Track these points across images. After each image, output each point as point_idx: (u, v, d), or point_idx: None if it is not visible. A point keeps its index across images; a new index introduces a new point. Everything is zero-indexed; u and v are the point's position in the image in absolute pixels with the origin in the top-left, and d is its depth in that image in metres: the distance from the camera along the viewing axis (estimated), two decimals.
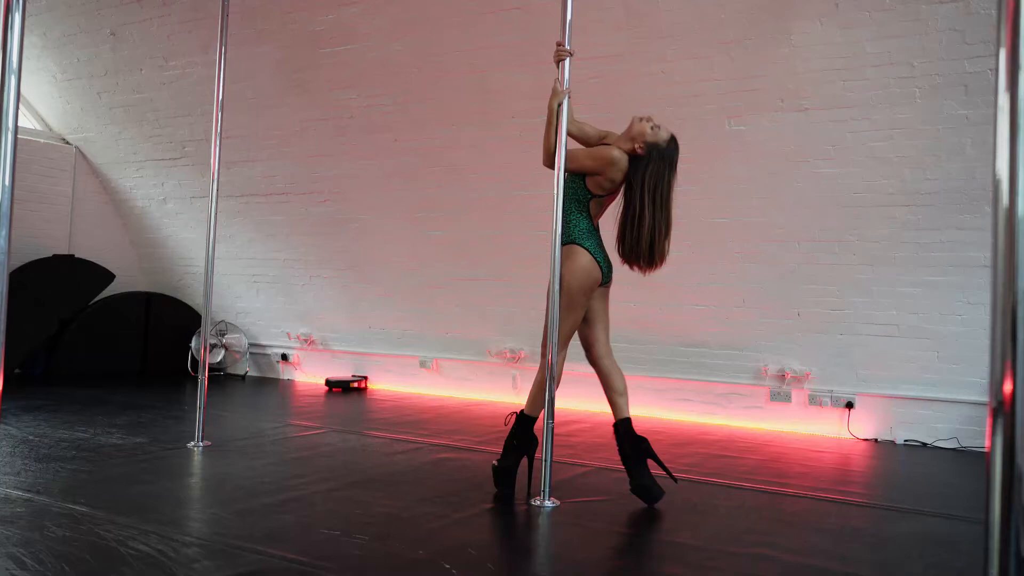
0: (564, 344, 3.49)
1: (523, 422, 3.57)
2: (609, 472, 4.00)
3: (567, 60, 3.49)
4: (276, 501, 3.22)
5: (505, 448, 3.61)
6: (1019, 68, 1.32)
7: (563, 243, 3.43)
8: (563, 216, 3.44)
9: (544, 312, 3.46)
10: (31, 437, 4.36)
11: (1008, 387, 1.33)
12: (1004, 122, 1.29)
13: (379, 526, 2.93)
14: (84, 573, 2.33)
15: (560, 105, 3.45)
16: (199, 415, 4.33)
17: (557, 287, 3.39)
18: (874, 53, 4.66)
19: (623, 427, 3.49)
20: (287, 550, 2.60)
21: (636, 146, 3.43)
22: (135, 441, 4.37)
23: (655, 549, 2.84)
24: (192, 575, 2.35)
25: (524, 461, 3.61)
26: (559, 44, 3.48)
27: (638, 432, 3.49)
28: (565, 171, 3.47)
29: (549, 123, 3.48)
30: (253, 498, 3.26)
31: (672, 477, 3.53)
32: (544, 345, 3.46)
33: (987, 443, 1.37)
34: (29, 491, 3.23)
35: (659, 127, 3.46)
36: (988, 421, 1.35)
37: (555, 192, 3.44)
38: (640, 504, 3.40)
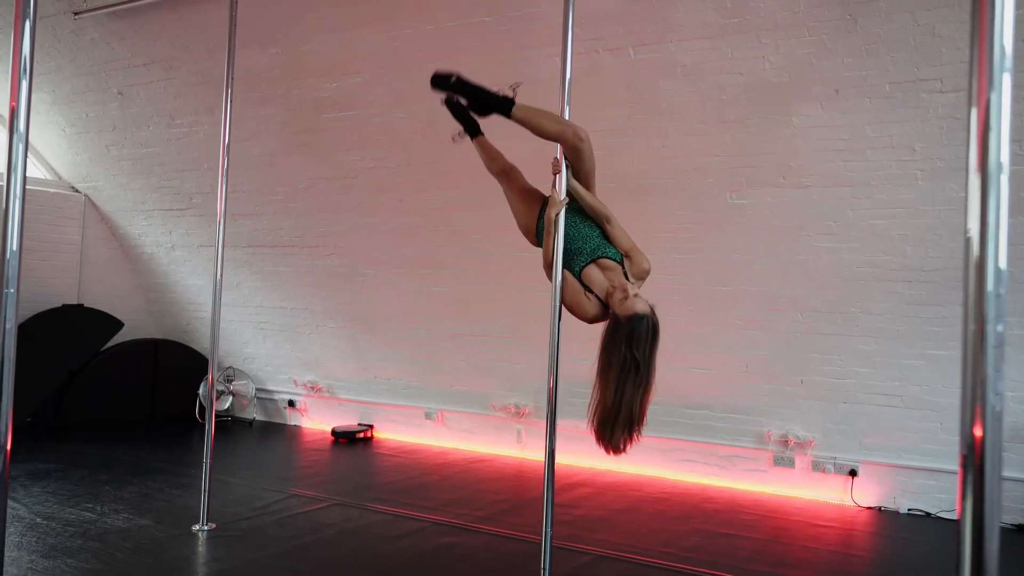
0: None
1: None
2: (610, 562, 4.02)
3: (564, 171, 3.51)
4: None
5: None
6: (989, 130, 1.37)
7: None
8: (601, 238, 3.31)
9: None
10: (40, 520, 4.41)
11: (978, 433, 1.36)
12: (975, 183, 1.37)
13: None
14: None
15: (558, 216, 3.47)
16: (204, 496, 4.37)
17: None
18: (875, 136, 4.67)
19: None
20: None
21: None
22: (140, 524, 4.41)
23: None
24: None
25: None
26: (555, 159, 3.50)
27: None
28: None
29: (547, 232, 3.50)
30: None
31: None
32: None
33: (959, 495, 1.38)
34: None
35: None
36: (959, 473, 1.36)
37: (553, 294, 3.45)
38: None
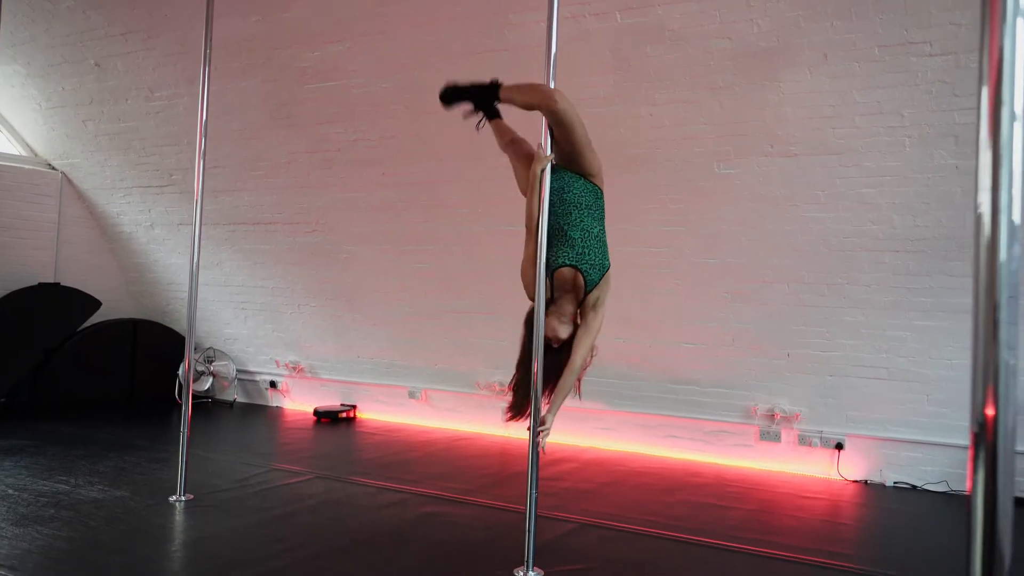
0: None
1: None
2: (595, 530, 3.96)
3: (547, 132, 3.43)
4: (257, 574, 3.17)
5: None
6: (1001, 104, 1.32)
7: (608, 267, 3.35)
8: (598, 241, 3.35)
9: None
10: (11, 491, 4.29)
11: (990, 412, 1.34)
12: (986, 159, 1.32)
13: None
14: None
15: (543, 171, 3.40)
16: (181, 466, 4.27)
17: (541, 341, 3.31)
18: (863, 102, 4.62)
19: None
20: None
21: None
22: (116, 495, 4.31)
23: None
24: None
25: None
26: (539, 146, 3.42)
27: None
28: (576, 171, 3.38)
29: (532, 189, 3.42)
30: (233, 570, 3.21)
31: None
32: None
33: (969, 473, 1.36)
34: (3, 566, 3.17)
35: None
36: (970, 451, 1.34)
37: (539, 257, 3.38)
38: (627, 572, 3.36)
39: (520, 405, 3.41)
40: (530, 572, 3.28)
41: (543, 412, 3.38)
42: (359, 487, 4.71)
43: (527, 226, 3.47)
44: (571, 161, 3.42)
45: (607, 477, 5.18)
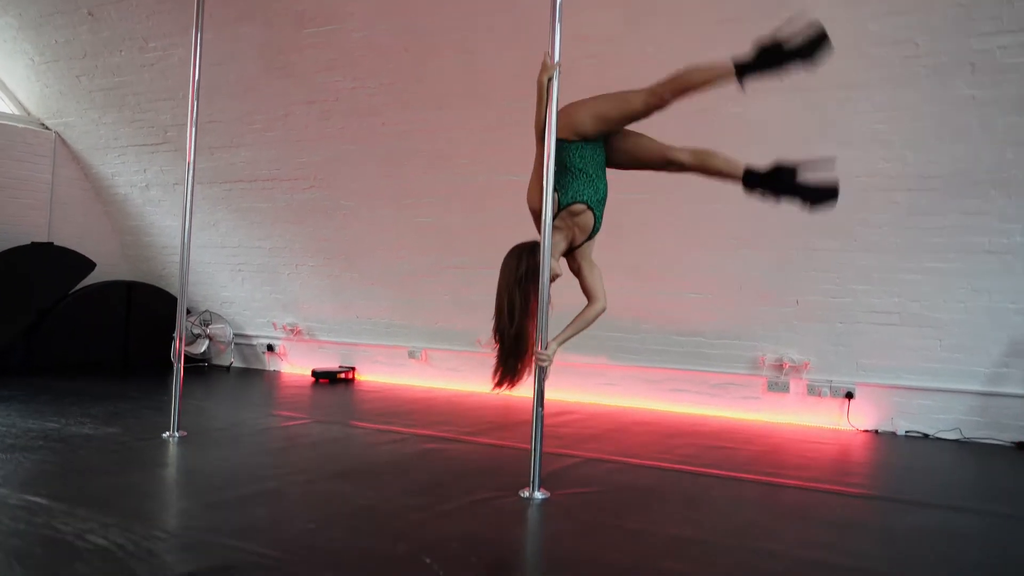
0: None
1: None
2: (601, 463, 3.84)
3: (558, 34, 3.32)
4: (250, 493, 3.05)
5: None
6: None
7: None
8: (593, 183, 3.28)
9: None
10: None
11: None
12: None
13: (358, 519, 2.76)
14: (32, 568, 2.16)
15: (550, 80, 3.29)
16: (174, 403, 4.14)
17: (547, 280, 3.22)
18: (877, 31, 4.49)
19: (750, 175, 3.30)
20: (258, 544, 2.42)
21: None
22: (107, 431, 4.18)
23: (653, 543, 2.67)
24: (151, 571, 2.17)
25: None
26: (546, 54, 3.31)
27: None
28: (589, 135, 3.30)
29: (540, 99, 3.31)
30: (226, 490, 3.09)
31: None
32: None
33: None
34: None
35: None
36: None
37: (546, 169, 3.27)
38: (635, 497, 3.24)
39: (512, 373, 3.30)
40: (536, 492, 3.16)
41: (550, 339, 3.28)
42: (358, 429, 4.59)
43: (536, 131, 3.36)
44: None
45: (611, 425, 5.05)
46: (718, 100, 5.10)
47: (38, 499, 2.82)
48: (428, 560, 2.33)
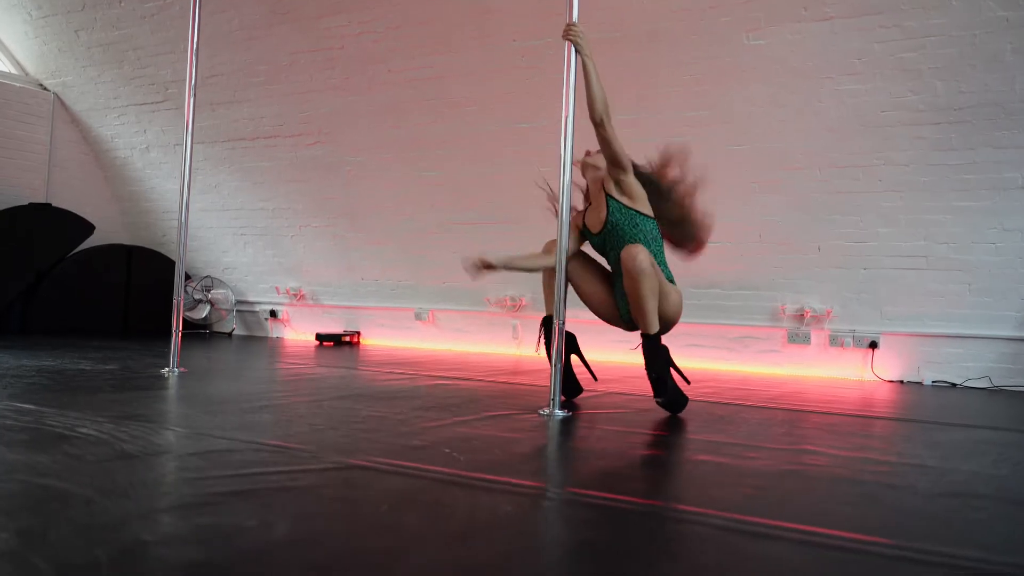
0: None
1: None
2: (621, 395, 3.66)
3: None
4: (255, 406, 2.87)
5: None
6: None
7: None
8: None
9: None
10: None
11: None
12: None
13: (369, 423, 2.58)
14: (20, 449, 1.98)
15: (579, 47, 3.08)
16: (174, 339, 3.97)
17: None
18: None
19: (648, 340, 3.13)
20: (263, 437, 2.24)
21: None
22: (104, 368, 4.01)
23: (686, 446, 2.49)
24: (143, 453, 1.99)
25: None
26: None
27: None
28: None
29: (594, 74, 3.09)
30: (229, 404, 2.91)
31: (684, 378, 3.20)
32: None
33: None
34: None
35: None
36: None
37: (563, 126, 3.08)
38: (660, 416, 3.06)
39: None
40: (556, 410, 2.98)
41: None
42: (366, 372, 4.41)
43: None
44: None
45: (627, 375, 4.87)
46: (735, 30, 4.94)
47: (27, 405, 2.64)
48: (447, 449, 2.15)
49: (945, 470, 2.17)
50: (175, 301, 4.06)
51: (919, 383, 4.90)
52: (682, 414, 3.10)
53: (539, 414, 2.96)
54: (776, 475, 2.04)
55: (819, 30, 4.65)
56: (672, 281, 3.26)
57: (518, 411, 3.02)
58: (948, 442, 2.68)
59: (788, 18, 4.71)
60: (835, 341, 5.16)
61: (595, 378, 3.57)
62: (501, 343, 6.28)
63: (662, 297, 3.11)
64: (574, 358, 3.43)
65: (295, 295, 7.32)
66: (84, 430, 2.22)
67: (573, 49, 3.06)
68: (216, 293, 7.46)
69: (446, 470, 1.90)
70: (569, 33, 3.02)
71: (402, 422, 2.63)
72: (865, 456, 2.33)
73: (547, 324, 3.35)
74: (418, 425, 2.58)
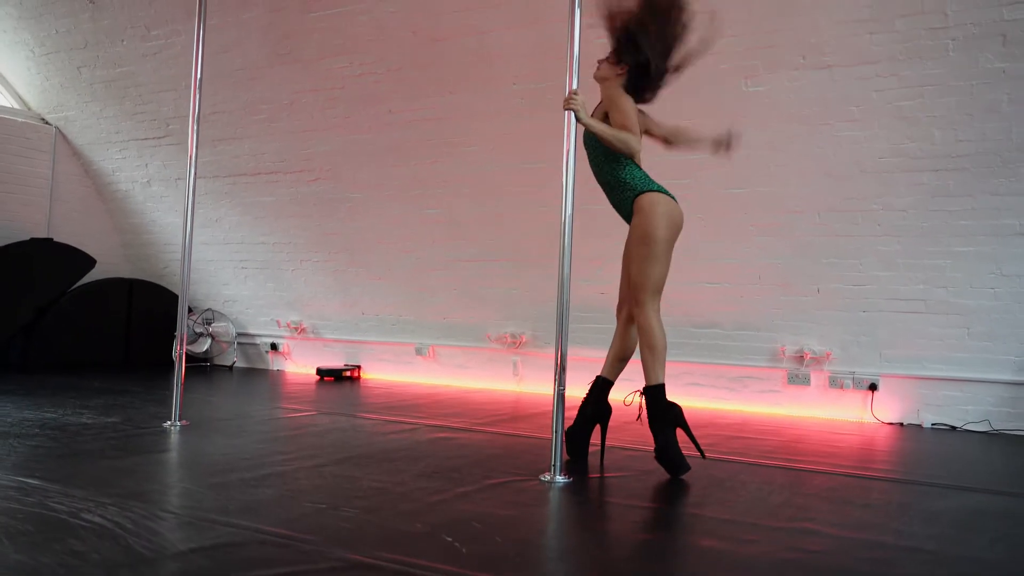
0: (656, 295, 3.29)
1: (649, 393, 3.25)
2: (621, 450, 3.67)
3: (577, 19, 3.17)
4: (256, 476, 2.88)
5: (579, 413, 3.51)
6: None
7: (633, 197, 3.24)
8: (613, 176, 3.26)
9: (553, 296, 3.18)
10: None
11: None
12: None
13: (371, 499, 2.59)
14: (23, 545, 1.99)
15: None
16: (176, 392, 3.98)
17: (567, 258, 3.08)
18: (903, 2, 4.35)
19: (652, 391, 3.16)
20: (265, 523, 2.26)
21: (616, 77, 3.31)
22: (106, 421, 4.02)
23: (683, 522, 2.50)
24: (150, 547, 2.01)
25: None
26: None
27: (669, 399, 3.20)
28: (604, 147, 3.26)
29: (601, 131, 3.14)
30: (230, 473, 2.92)
31: (702, 453, 3.21)
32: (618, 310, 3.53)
33: None
34: None
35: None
36: None
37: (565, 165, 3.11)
38: (661, 479, 3.07)
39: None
40: (557, 476, 2.99)
41: None
42: (366, 420, 4.42)
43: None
44: None
45: (628, 417, 4.87)
46: (734, 77, 4.98)
47: (31, 480, 2.66)
48: (449, 538, 2.17)
49: (940, 558, 2.19)
50: (176, 351, 4.07)
51: (919, 425, 4.91)
52: (683, 475, 3.11)
53: (540, 480, 2.97)
54: (773, 565, 2.05)
55: (817, 78, 4.69)
56: (662, 190, 3.26)
57: (520, 476, 3.03)
58: (945, 513, 2.69)
59: (786, 66, 4.75)
60: (835, 383, 5.17)
61: (703, 455, 3.27)
62: (501, 379, 6.30)
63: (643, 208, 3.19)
64: (680, 432, 3.19)
65: (296, 328, 7.34)
66: (88, 516, 2.24)
67: (573, 116, 3.10)
68: (217, 326, 7.47)
69: (448, 568, 1.92)
70: (568, 104, 3.06)
71: (404, 496, 2.64)
72: (863, 537, 2.35)
73: (651, 394, 3.23)
74: (421, 501, 2.59)
